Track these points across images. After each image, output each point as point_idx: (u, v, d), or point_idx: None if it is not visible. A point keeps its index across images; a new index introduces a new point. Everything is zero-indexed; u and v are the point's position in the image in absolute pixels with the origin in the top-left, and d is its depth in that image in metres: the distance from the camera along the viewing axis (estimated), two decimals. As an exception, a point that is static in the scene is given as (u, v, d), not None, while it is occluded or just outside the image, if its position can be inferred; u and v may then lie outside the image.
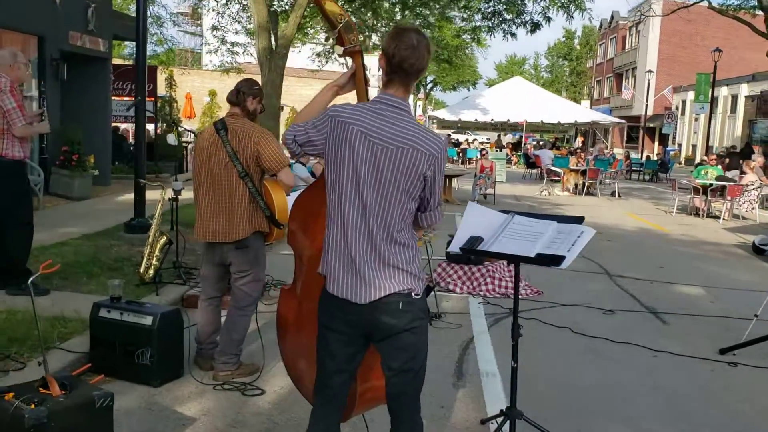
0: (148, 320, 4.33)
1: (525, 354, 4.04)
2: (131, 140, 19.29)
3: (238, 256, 4.41)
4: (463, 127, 38.72)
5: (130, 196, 12.76)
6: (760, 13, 24.47)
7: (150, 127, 16.06)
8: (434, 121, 33.26)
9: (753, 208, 15.02)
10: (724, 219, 14.53)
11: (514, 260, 3.52)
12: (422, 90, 48.06)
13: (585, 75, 56.76)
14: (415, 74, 2.65)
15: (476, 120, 31.41)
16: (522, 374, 3.77)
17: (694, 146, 44.84)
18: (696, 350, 5.49)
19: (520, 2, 16.32)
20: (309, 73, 30.51)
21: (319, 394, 2.79)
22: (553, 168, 20.20)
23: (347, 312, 2.62)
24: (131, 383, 4.31)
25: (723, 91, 37.34)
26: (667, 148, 42.12)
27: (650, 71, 40.66)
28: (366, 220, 2.57)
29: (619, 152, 33.54)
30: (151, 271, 6.20)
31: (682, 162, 40.23)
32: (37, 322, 3.91)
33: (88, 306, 5.32)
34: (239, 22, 19.08)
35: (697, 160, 41.67)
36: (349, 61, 3.09)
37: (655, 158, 31.97)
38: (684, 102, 45.46)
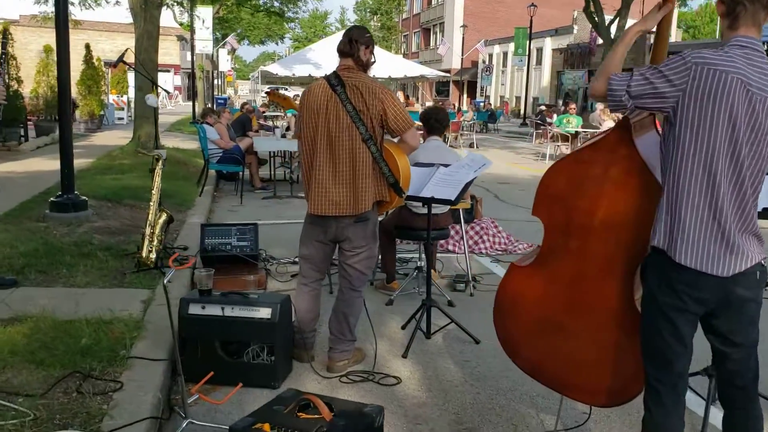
0: (264, 313, 3.67)
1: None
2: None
3: (358, 231, 3.84)
4: (286, 83, 37.80)
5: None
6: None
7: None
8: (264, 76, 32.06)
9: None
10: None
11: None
12: (227, 43, 46.08)
13: (394, 30, 57.72)
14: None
15: (310, 75, 30.69)
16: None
17: (502, 97, 47.66)
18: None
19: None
20: (126, 27, 28.32)
21: (665, 384, 2.45)
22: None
23: (701, 287, 2.32)
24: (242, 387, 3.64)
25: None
26: (476, 100, 44.28)
27: (465, 26, 42.24)
28: (740, 181, 2.28)
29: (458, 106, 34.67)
30: (153, 255, 5.30)
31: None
32: (174, 333, 3.16)
33: (119, 302, 4.53)
34: (72, -32, 16.88)
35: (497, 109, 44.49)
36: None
37: (483, 110, 33.36)
38: (491, 56, 47.92)
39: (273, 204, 9.56)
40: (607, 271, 2.69)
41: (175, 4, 25.15)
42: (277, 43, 56.04)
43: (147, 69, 12.19)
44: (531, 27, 32.22)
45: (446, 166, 4.43)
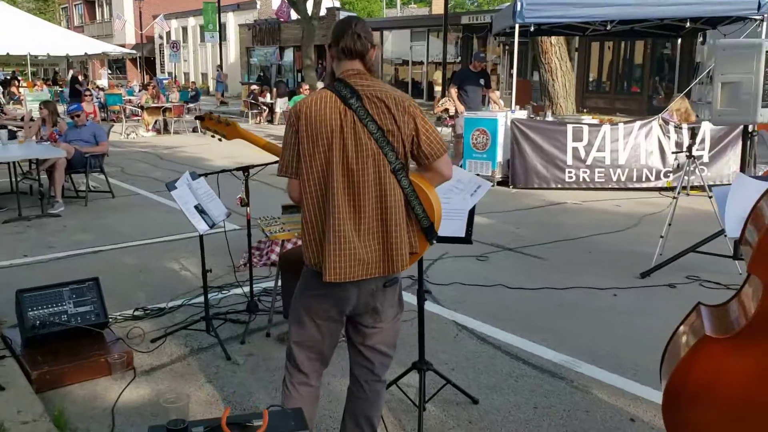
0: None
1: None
2: None
3: (388, 297, 2.73)
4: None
5: None
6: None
7: None
8: None
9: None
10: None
11: None
12: None
13: (52, 1, 51.23)
14: None
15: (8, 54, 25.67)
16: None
17: (186, 74, 45.34)
18: (621, 280, 5.61)
19: None
20: None
21: None
22: (134, 107, 18.04)
23: None
24: None
25: (211, 20, 38.26)
26: (159, 78, 41.44)
27: (140, -1, 38.99)
28: None
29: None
30: None
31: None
32: None
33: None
34: None
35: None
36: None
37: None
38: (168, 33, 45.21)
39: (24, 229, 7.40)
40: None
41: None
42: None
43: None
44: (219, 2, 30.83)
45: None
